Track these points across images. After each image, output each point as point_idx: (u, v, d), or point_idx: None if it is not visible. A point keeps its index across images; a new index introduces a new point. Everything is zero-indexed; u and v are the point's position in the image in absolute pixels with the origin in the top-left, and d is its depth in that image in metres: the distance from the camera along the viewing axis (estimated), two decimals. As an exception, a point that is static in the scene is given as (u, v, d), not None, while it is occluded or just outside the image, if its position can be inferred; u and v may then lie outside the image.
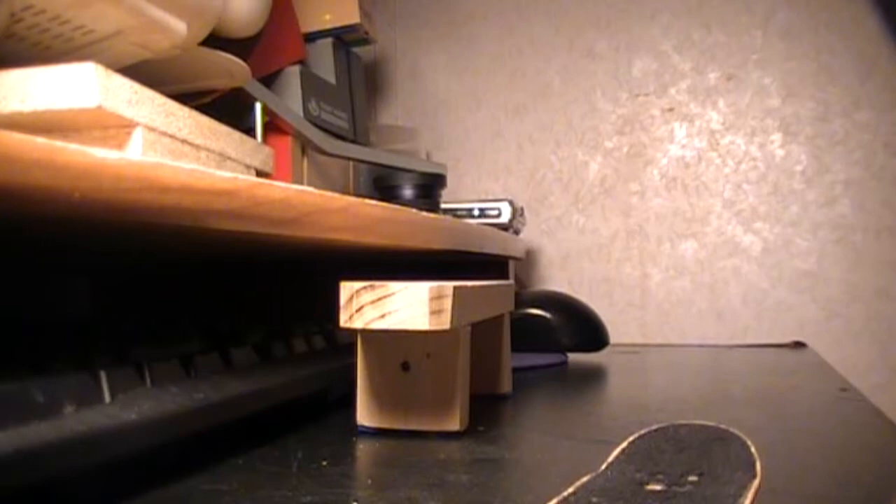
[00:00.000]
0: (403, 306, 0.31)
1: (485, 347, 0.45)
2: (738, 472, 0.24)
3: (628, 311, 1.02)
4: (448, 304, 0.32)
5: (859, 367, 0.93)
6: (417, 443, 0.34)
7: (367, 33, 0.89)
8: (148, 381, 0.28)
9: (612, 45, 1.04)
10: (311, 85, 0.79)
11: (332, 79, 0.85)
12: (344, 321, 0.32)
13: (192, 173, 0.24)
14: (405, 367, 0.35)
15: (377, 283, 0.32)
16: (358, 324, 0.32)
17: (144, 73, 0.41)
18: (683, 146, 1.02)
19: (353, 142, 0.85)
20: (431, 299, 0.31)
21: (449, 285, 0.32)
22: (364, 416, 0.36)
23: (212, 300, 0.55)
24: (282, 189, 0.29)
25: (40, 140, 0.18)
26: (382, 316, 0.32)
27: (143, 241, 0.32)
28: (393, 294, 0.32)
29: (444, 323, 0.31)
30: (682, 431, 0.30)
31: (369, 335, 0.35)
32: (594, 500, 0.22)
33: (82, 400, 0.24)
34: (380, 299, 0.32)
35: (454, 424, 0.35)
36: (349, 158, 0.79)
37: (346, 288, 0.32)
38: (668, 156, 1.02)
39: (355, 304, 0.32)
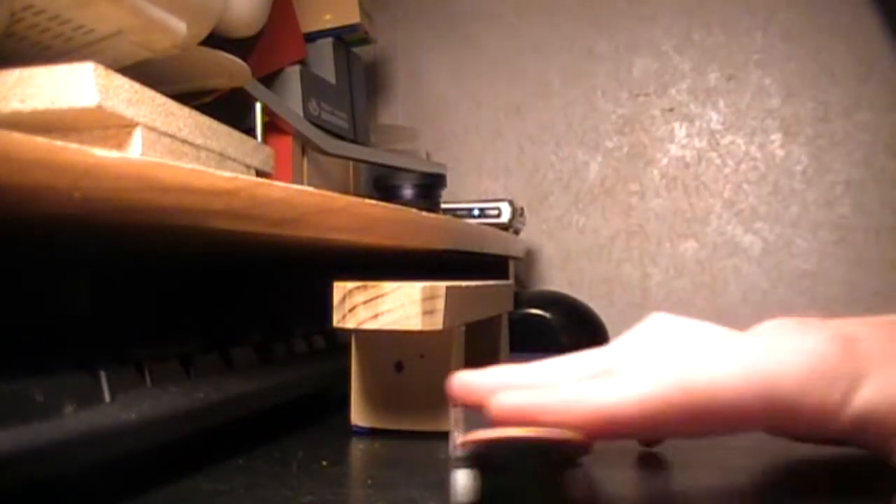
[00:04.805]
0: (396, 306, 0.31)
1: (483, 347, 0.45)
2: None
3: (628, 311, 1.02)
4: (441, 304, 0.31)
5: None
6: (417, 443, 0.33)
7: (367, 33, 0.89)
8: (148, 381, 0.28)
9: (613, 46, 1.04)
10: (311, 85, 0.79)
11: (332, 79, 0.85)
12: (337, 321, 0.32)
13: (192, 173, 0.24)
14: (399, 367, 0.35)
15: (370, 283, 0.32)
16: (351, 324, 0.32)
17: (144, 73, 0.41)
18: (683, 146, 1.02)
19: (353, 142, 0.85)
20: (424, 299, 0.31)
21: (441, 285, 0.32)
22: (358, 416, 0.35)
23: (212, 300, 0.55)
24: (282, 189, 0.29)
25: (40, 139, 0.18)
26: (375, 316, 0.32)
27: (142, 241, 0.32)
28: (385, 294, 0.31)
29: (437, 323, 0.31)
30: None
31: (363, 335, 0.35)
32: None
33: (82, 400, 0.24)
34: (372, 299, 0.32)
35: (448, 425, 0.35)
36: (349, 158, 0.79)
37: (339, 288, 0.32)
38: (668, 156, 1.02)
39: (348, 305, 0.32)
